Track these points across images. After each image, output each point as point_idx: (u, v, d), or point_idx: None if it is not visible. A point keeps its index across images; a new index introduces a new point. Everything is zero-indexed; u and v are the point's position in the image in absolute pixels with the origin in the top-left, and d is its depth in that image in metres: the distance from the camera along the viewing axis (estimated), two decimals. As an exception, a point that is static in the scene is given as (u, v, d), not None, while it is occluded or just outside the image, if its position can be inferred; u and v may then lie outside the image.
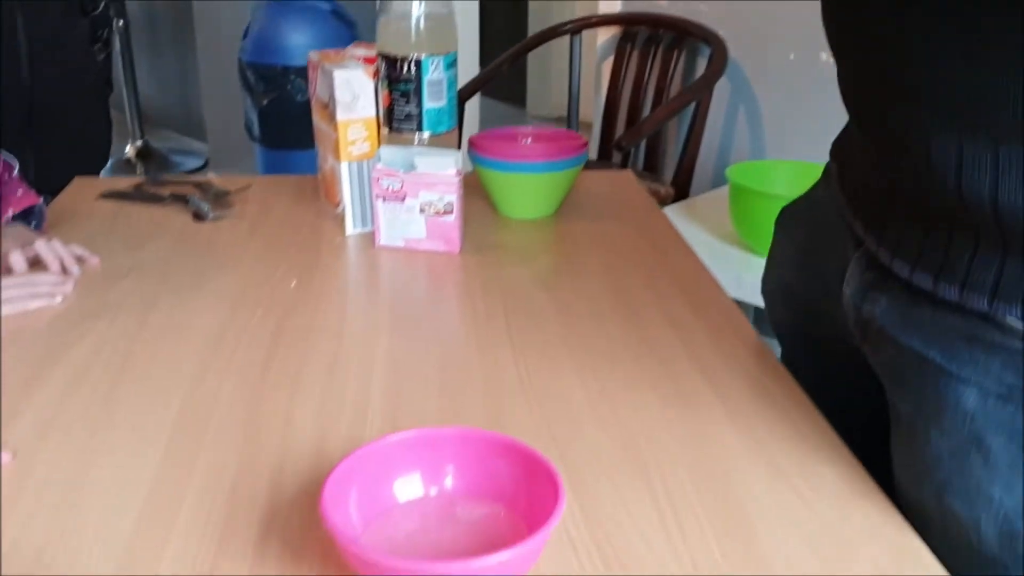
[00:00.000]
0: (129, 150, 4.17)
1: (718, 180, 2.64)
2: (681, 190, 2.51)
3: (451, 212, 1.13)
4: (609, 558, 0.64)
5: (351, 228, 1.22)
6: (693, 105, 2.49)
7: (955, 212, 0.61)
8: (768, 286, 0.98)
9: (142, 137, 4.22)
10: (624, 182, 1.44)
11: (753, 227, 1.84)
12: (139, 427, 0.79)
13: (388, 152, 1.14)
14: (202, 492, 0.70)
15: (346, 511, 0.63)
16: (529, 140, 1.31)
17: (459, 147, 1.18)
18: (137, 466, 0.73)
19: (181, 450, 0.75)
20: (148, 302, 1.01)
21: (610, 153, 2.71)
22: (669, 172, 2.66)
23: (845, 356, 0.79)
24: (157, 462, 0.74)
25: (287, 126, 3.07)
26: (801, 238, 0.91)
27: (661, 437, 0.78)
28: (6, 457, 0.73)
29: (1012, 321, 0.60)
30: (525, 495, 0.65)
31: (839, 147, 0.83)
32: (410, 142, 1.17)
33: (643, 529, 0.67)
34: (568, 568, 0.63)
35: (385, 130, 1.18)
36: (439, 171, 1.11)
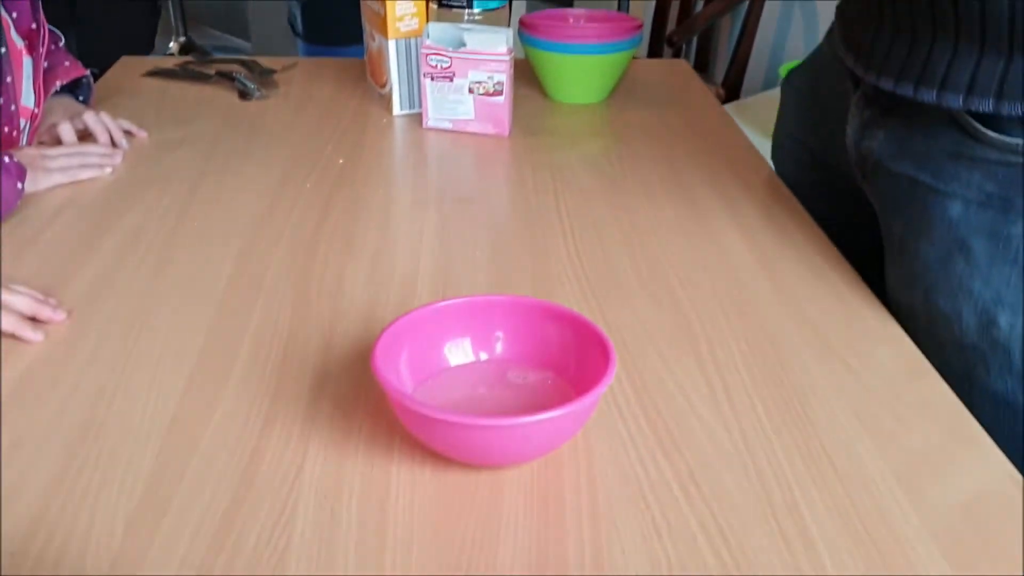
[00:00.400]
0: (172, 46, 4.14)
1: (770, 81, 2.56)
2: (732, 91, 2.45)
3: (500, 92, 1.11)
4: (657, 426, 0.64)
5: (398, 109, 1.20)
6: (747, 1, 2.40)
7: (942, 13, 0.68)
8: (776, 142, 1.03)
9: (185, 34, 4.18)
10: (678, 71, 1.40)
11: (806, 125, 1.78)
12: (191, 290, 0.79)
13: (437, 29, 1.11)
14: (254, 353, 0.71)
15: (397, 370, 0.63)
16: (582, 21, 1.28)
17: (509, 26, 1.15)
18: (190, 327, 0.74)
19: (233, 313, 0.76)
20: (197, 175, 1.01)
21: (661, 51, 2.64)
22: (720, 72, 2.59)
23: (848, 195, 0.85)
24: (209, 324, 0.74)
25: (331, 21, 2.99)
26: (805, 89, 0.97)
27: (711, 311, 0.77)
28: (61, 315, 0.74)
29: (982, 119, 0.67)
30: (575, 362, 0.65)
31: (841, 7, 0.88)
32: (459, 18, 1.14)
33: (692, 400, 0.66)
34: (615, 435, 0.63)
35: (434, 6, 1.15)
36: (489, 49, 1.09)
